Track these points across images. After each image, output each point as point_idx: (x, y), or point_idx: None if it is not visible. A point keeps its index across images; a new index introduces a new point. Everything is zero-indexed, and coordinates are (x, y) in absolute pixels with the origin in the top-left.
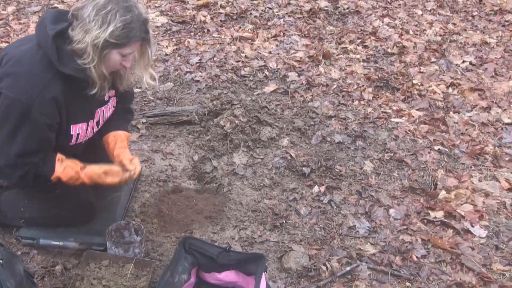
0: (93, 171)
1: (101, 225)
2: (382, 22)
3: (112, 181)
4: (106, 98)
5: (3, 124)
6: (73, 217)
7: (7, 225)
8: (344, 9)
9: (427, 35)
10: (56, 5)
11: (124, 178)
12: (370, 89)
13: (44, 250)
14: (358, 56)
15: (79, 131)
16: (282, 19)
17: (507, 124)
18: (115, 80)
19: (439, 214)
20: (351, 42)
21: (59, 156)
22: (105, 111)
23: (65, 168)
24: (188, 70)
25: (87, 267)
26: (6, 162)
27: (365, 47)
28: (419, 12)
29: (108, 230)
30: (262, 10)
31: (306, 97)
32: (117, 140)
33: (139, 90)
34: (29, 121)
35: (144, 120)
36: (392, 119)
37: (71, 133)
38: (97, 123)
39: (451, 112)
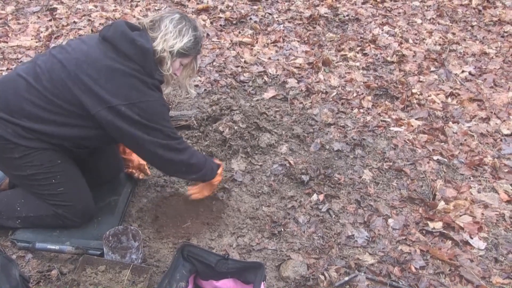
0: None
1: (97, 229)
2: (382, 30)
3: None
4: None
5: (147, 126)
6: (70, 217)
7: (2, 227)
8: (344, 16)
9: (426, 44)
10: (55, 5)
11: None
12: (369, 97)
13: (39, 254)
14: (357, 64)
15: None
16: (282, 25)
17: (506, 135)
18: None
19: (438, 225)
20: (350, 49)
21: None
22: None
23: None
24: None
25: (84, 272)
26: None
27: (365, 54)
28: (419, 21)
29: (105, 235)
30: (262, 16)
31: (305, 104)
32: None
33: None
34: (167, 110)
35: None
36: (391, 128)
37: None
38: None
39: (450, 122)
